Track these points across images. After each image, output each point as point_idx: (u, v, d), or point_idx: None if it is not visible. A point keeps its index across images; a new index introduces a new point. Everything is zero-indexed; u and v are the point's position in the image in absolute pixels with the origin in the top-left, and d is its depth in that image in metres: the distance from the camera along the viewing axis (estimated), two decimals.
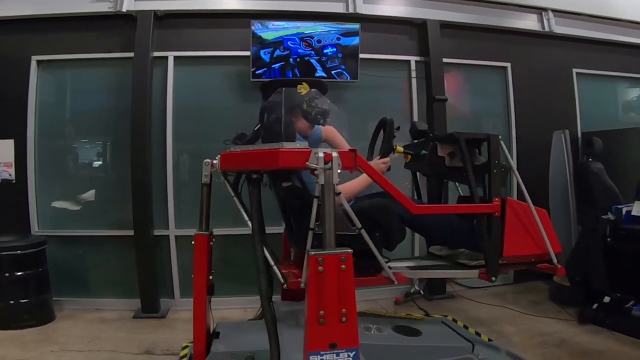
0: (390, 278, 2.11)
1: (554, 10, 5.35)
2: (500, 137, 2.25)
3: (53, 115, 4.64)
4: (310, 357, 1.72)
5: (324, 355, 1.73)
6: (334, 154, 1.76)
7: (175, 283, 4.58)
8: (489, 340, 3.08)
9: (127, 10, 4.37)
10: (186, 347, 2.97)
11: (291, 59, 4.56)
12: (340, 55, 4.63)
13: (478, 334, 3.14)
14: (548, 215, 2.37)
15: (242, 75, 4.61)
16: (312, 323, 1.73)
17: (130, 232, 4.36)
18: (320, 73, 4.62)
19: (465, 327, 3.23)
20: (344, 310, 1.73)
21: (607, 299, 3.80)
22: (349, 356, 1.74)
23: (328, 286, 1.73)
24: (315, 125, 2.78)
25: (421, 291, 4.75)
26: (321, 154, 1.75)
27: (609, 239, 3.86)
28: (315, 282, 1.73)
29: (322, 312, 1.72)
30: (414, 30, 5.02)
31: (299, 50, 4.57)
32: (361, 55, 4.65)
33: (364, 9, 4.74)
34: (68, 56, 4.52)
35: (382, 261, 2.07)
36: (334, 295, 1.73)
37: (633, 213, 3.85)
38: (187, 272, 4.54)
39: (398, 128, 2.50)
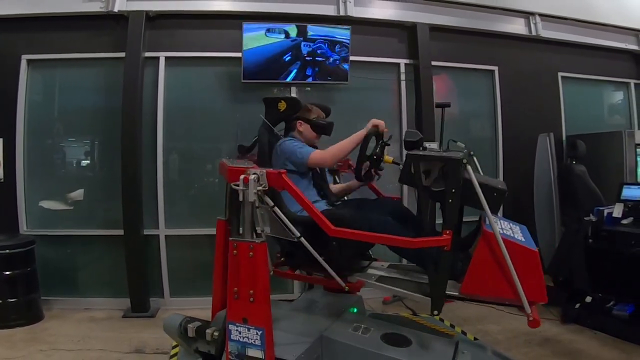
0: (340, 284, 2.31)
1: (540, 15, 5.45)
2: (465, 160, 1.98)
3: (43, 114, 4.62)
4: (229, 326, 2.06)
5: (239, 327, 2.05)
6: (251, 177, 2.00)
7: (165, 282, 4.58)
8: (475, 339, 3.15)
9: (118, 10, 4.37)
10: (176, 346, 3.00)
11: (317, 58, 4.64)
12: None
13: (464, 332, 3.20)
14: (539, 257, 2.00)
15: (232, 77, 4.63)
16: (230, 296, 2.06)
17: (120, 232, 4.36)
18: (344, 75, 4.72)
19: (452, 326, 3.30)
20: (251, 291, 2.00)
21: (589, 299, 3.89)
22: (257, 333, 2.01)
23: (241, 268, 2.03)
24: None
25: None
26: (243, 176, 2.02)
27: (590, 240, 3.94)
28: (231, 263, 2.07)
29: (235, 288, 2.02)
30: (403, 33, 5.08)
31: (328, 54, 4.66)
32: (351, 58, 4.69)
33: (355, 12, 4.79)
34: (59, 56, 4.51)
35: (328, 268, 2.23)
36: (245, 276, 2.01)
37: (614, 215, 3.94)
38: (177, 271, 4.56)
39: (389, 139, 2.54)
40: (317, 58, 4.65)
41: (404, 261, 2.68)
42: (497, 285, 1.96)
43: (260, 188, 2.02)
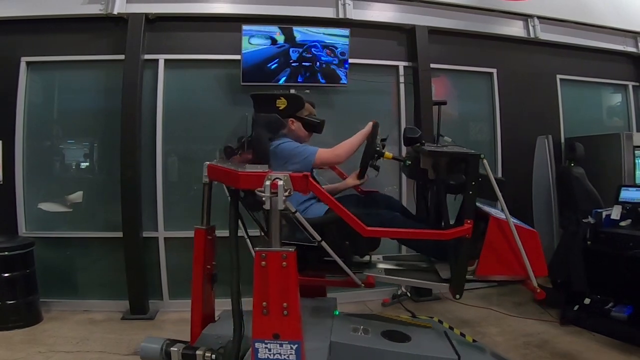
0: (357, 282, 2.26)
1: (539, 17, 5.46)
2: (482, 155, 2.15)
3: (42, 116, 4.62)
4: (256, 344, 1.87)
5: (268, 344, 1.88)
6: (280, 182, 1.89)
7: (164, 284, 4.58)
8: (474, 340, 3.14)
9: (118, 13, 4.37)
10: None
11: (317, 64, 4.65)
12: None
13: (463, 334, 3.20)
14: (538, 236, 2.28)
15: (232, 79, 4.64)
16: (257, 313, 1.88)
17: (119, 234, 4.37)
18: (344, 81, 4.72)
19: (451, 327, 3.29)
20: (285, 304, 1.87)
21: (587, 301, 3.89)
22: (291, 348, 1.88)
23: (270, 280, 1.87)
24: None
25: (408, 293, 4.81)
26: (268, 182, 1.89)
27: (589, 242, 3.94)
28: (259, 276, 1.88)
29: (264, 303, 1.87)
30: (402, 36, 5.09)
31: (323, 57, 4.65)
32: (350, 60, 4.70)
33: (354, 14, 4.80)
34: (58, 58, 4.51)
35: (347, 269, 2.19)
36: (276, 289, 1.87)
37: (612, 217, 3.95)
38: (176, 273, 4.56)
39: (385, 139, 2.55)
40: (345, 69, 4.69)
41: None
42: (508, 265, 2.19)
43: (286, 194, 1.91)
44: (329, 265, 2.20)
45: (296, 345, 1.88)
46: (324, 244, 2.09)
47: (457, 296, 2.20)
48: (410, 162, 2.48)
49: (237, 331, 2.11)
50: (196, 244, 2.47)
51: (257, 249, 1.91)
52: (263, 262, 1.88)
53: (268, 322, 1.88)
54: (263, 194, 1.89)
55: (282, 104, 2.53)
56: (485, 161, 2.14)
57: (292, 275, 1.89)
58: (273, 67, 4.58)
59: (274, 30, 4.55)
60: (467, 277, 2.23)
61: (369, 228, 2.09)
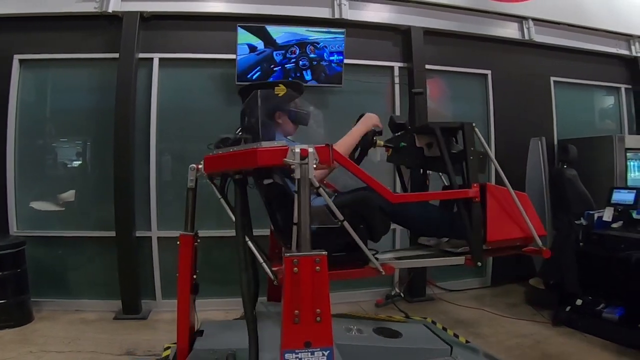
0: (378, 269, 2.15)
1: (534, 19, 5.50)
2: (474, 124, 2.26)
3: (34, 115, 4.59)
4: (286, 356, 1.76)
5: (299, 354, 1.77)
6: (310, 150, 1.80)
7: (157, 284, 4.56)
8: (467, 341, 3.16)
9: (112, 11, 4.35)
10: (168, 348, 2.99)
11: (301, 62, 4.63)
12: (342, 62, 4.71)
13: (456, 335, 3.22)
14: (528, 198, 2.37)
15: (226, 78, 4.63)
16: (288, 322, 1.77)
17: (112, 233, 4.34)
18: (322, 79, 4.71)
19: (444, 329, 3.31)
20: (318, 310, 1.78)
21: (579, 302, 3.92)
22: (323, 355, 1.79)
23: (303, 287, 1.78)
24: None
25: (401, 294, 4.82)
26: (297, 150, 1.79)
27: (581, 244, 3.98)
28: (290, 283, 1.78)
29: (297, 311, 1.77)
30: (398, 37, 5.10)
31: (309, 55, 4.64)
32: (346, 61, 4.71)
33: (350, 15, 4.80)
34: (51, 56, 4.48)
35: (367, 252, 2.11)
36: (309, 295, 1.78)
37: (604, 218, 3.99)
38: (169, 273, 4.53)
39: (380, 132, 2.56)
40: (327, 62, 4.67)
41: None
42: (513, 226, 2.27)
43: (315, 163, 1.80)
44: (336, 259, 2.10)
45: (328, 352, 1.80)
46: (345, 224, 1.99)
47: (479, 264, 2.22)
48: (405, 144, 2.51)
49: (252, 340, 2.02)
50: (182, 251, 2.40)
51: (288, 254, 1.81)
52: (295, 269, 1.78)
53: (300, 330, 1.79)
54: (293, 161, 1.78)
55: (281, 90, 2.44)
56: (477, 130, 2.26)
57: (325, 279, 1.81)
58: (255, 76, 4.57)
59: (252, 38, 4.51)
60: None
61: (396, 194, 2.12)
